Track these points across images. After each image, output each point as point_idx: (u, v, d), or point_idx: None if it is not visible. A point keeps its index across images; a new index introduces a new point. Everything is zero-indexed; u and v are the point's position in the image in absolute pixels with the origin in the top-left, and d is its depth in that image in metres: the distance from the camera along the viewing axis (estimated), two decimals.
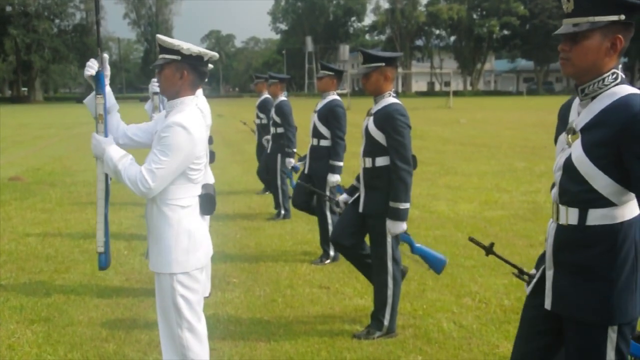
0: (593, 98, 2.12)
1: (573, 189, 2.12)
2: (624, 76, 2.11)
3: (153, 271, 2.97)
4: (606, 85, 2.09)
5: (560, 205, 2.19)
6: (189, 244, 2.88)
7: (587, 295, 2.12)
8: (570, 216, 2.15)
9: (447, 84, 66.75)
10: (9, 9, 67.94)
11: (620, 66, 2.12)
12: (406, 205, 3.96)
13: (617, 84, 2.09)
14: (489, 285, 5.21)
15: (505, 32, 74.33)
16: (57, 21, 74.23)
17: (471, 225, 7.43)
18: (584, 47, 2.07)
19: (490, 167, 12.34)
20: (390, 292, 4.17)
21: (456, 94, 54.15)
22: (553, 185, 2.31)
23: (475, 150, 15.23)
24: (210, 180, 6.62)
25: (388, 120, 3.98)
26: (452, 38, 78.56)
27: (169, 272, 2.88)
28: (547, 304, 2.25)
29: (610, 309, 2.08)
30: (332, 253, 6.09)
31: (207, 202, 2.93)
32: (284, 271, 5.75)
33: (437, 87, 78.24)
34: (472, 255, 6.07)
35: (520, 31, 70.89)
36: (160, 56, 2.89)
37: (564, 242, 2.19)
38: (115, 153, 2.84)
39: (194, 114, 2.87)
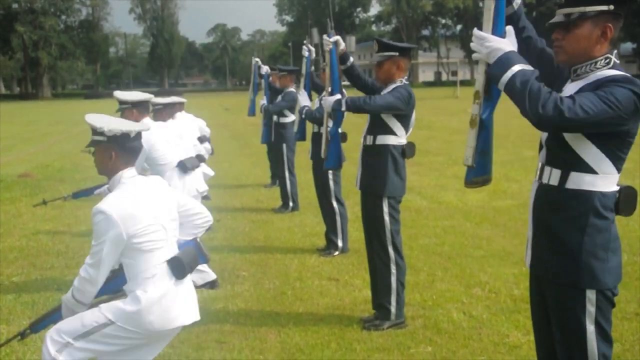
0: (583, 78, 2.24)
1: (559, 151, 2.23)
2: (617, 62, 2.21)
3: None
4: (597, 68, 2.21)
5: (545, 166, 2.31)
6: (145, 307, 2.80)
7: (559, 257, 2.23)
8: (552, 176, 2.26)
9: (454, 73, 66.43)
10: (15, 6, 68.13)
11: (615, 52, 2.22)
12: (341, 106, 4.18)
13: (608, 68, 2.20)
14: (499, 275, 5.20)
15: None
16: (63, 17, 74.42)
17: (480, 215, 7.41)
18: (575, 36, 2.20)
19: (499, 157, 12.25)
20: (394, 278, 4.18)
21: (463, 83, 53.88)
22: (540, 148, 2.43)
23: None
24: (210, 173, 6.55)
25: (393, 90, 4.09)
26: (459, 27, 78.10)
27: (111, 319, 2.83)
28: (527, 262, 2.38)
29: (580, 271, 2.18)
30: (340, 244, 6.10)
31: (176, 267, 2.87)
32: (293, 264, 5.76)
33: (444, 77, 77.87)
34: (481, 246, 6.06)
35: (527, 18, 70.28)
36: (92, 137, 2.90)
37: (543, 202, 2.30)
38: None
39: (123, 192, 2.84)
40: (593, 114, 2.04)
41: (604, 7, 2.14)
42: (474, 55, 2.31)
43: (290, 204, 8.05)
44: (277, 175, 8.68)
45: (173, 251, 2.93)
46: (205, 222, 3.18)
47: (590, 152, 2.15)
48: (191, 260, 2.95)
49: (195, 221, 3.14)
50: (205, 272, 4.99)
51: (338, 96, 4.30)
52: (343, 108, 4.20)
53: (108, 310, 2.83)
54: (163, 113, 5.80)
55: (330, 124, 4.61)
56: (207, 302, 4.77)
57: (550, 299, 2.31)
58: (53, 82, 79.70)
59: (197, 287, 3.29)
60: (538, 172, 2.36)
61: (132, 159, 2.93)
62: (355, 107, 4.13)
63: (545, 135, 2.31)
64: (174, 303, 2.86)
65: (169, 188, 3.09)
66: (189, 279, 2.99)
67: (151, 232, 2.82)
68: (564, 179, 2.21)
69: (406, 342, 3.97)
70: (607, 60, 2.19)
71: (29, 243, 6.75)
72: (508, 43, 2.24)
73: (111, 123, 2.85)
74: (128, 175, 2.89)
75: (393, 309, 4.18)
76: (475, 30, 2.30)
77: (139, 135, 2.93)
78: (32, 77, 71.22)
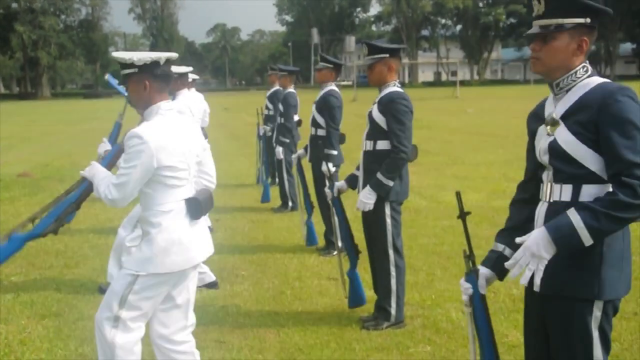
0: (567, 91, 2.25)
1: (565, 168, 2.20)
2: (592, 69, 2.25)
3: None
4: (579, 78, 2.23)
5: (554, 184, 2.26)
6: (164, 248, 2.84)
7: (577, 270, 2.17)
8: (563, 193, 2.22)
9: (454, 73, 66.53)
10: (14, 5, 68.11)
11: (587, 61, 2.25)
12: (389, 184, 4.05)
13: (588, 76, 2.23)
14: None
15: (512, 20, 73.90)
16: (63, 17, 74.43)
17: (479, 215, 7.40)
18: (552, 47, 2.22)
19: (498, 157, 12.28)
20: (394, 280, 4.17)
21: (463, 83, 53.91)
22: (521, 183, 2.45)
23: (483, 140, 15.15)
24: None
25: (390, 104, 4.06)
26: (458, 27, 78.18)
27: (134, 272, 2.86)
28: (536, 286, 2.29)
29: (600, 283, 2.14)
30: (340, 244, 6.08)
31: (192, 207, 2.92)
32: (292, 263, 5.76)
33: (443, 77, 77.92)
34: (480, 246, 6.03)
35: (527, 19, 70.23)
36: (121, 72, 2.93)
37: None
38: (100, 172, 2.94)
39: (159, 123, 2.87)
40: None
41: (581, 20, 2.17)
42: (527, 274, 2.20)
43: (290, 203, 8.05)
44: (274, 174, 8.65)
45: (191, 191, 2.97)
46: (210, 184, 3.21)
47: (598, 163, 2.13)
48: (207, 201, 3.00)
49: (201, 180, 3.16)
50: (205, 274, 4.99)
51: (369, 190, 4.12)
52: (389, 182, 4.05)
53: (128, 266, 2.89)
54: (178, 82, 5.87)
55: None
56: (206, 301, 4.77)
57: (558, 314, 2.25)
58: (52, 82, 79.66)
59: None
60: (546, 193, 2.30)
61: (165, 87, 2.95)
62: (393, 173, 4.04)
63: (546, 156, 2.27)
64: (191, 242, 2.92)
65: (196, 131, 3.11)
66: (203, 218, 3.03)
67: (179, 170, 2.88)
68: (576, 193, 2.18)
69: (405, 342, 3.97)
70: (585, 69, 2.23)
71: (28, 242, 6.72)
72: (538, 237, 2.12)
73: (138, 54, 2.89)
74: (166, 107, 2.93)
75: (393, 311, 4.18)
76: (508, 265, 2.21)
77: (168, 61, 2.94)
78: (32, 77, 71.21)
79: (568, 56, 2.21)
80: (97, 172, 2.95)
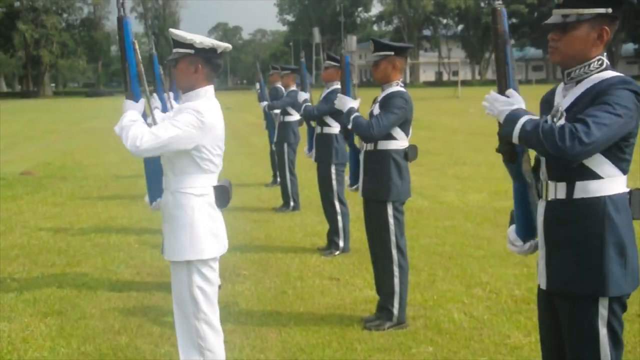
0: (578, 82, 2.22)
1: (560, 164, 2.17)
2: (608, 63, 2.21)
3: (169, 260, 2.97)
4: (591, 71, 2.20)
5: (549, 182, 2.27)
6: (205, 232, 2.88)
7: (579, 268, 2.18)
8: (558, 191, 2.22)
9: (455, 73, 66.42)
10: (17, 4, 68.20)
11: (605, 54, 2.22)
12: (348, 122, 4.11)
13: (602, 70, 2.19)
14: (500, 275, 5.20)
15: (514, 20, 73.78)
16: (64, 16, 74.54)
17: (481, 215, 7.41)
18: (572, 37, 2.18)
19: (499, 157, 12.21)
20: (397, 280, 4.17)
21: (464, 83, 53.87)
22: (537, 165, 2.41)
23: (484, 140, 15.10)
24: None
25: (390, 99, 4.06)
26: (460, 27, 78.15)
27: (186, 260, 2.88)
28: (542, 283, 2.31)
29: (602, 280, 2.15)
30: (341, 244, 6.10)
31: (222, 194, 2.92)
32: (294, 263, 5.77)
33: (445, 77, 77.85)
34: (482, 246, 6.06)
35: (528, 19, 70.31)
36: (174, 50, 2.91)
37: (553, 218, 2.26)
38: (132, 114, 2.88)
39: (209, 104, 2.90)
40: (607, 129, 2.02)
41: (602, 10, 2.13)
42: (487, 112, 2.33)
43: (291, 203, 8.05)
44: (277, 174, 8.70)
45: (217, 179, 2.98)
46: None
47: (592, 158, 2.12)
48: (231, 190, 3.01)
49: None
50: None
51: (353, 104, 4.21)
52: (350, 125, 4.14)
53: (179, 259, 2.89)
54: None
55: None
56: None
57: (564, 313, 2.26)
58: (54, 80, 79.78)
59: None
60: (543, 191, 2.32)
61: (213, 76, 2.97)
62: (360, 133, 4.06)
63: None
64: (220, 229, 2.97)
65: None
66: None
67: (215, 155, 2.89)
68: (570, 190, 2.18)
69: (407, 342, 3.97)
70: (600, 62, 2.19)
71: (31, 241, 6.75)
72: (518, 102, 2.23)
73: (200, 37, 2.89)
74: (211, 94, 2.95)
75: (395, 312, 4.17)
76: (492, 92, 2.29)
77: (222, 53, 2.96)
78: (34, 75, 71.29)
79: (587, 46, 2.17)
80: (128, 113, 2.87)
